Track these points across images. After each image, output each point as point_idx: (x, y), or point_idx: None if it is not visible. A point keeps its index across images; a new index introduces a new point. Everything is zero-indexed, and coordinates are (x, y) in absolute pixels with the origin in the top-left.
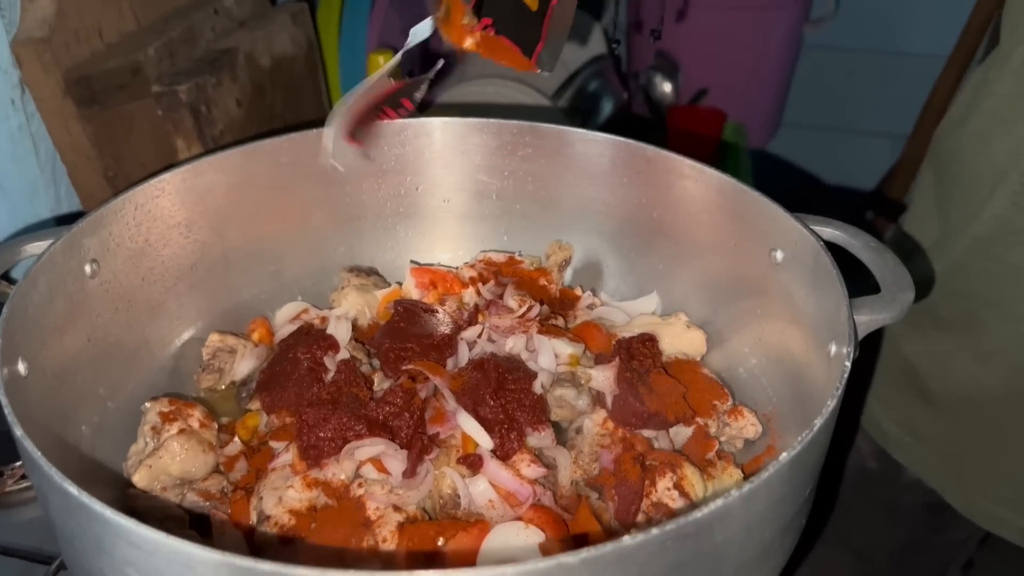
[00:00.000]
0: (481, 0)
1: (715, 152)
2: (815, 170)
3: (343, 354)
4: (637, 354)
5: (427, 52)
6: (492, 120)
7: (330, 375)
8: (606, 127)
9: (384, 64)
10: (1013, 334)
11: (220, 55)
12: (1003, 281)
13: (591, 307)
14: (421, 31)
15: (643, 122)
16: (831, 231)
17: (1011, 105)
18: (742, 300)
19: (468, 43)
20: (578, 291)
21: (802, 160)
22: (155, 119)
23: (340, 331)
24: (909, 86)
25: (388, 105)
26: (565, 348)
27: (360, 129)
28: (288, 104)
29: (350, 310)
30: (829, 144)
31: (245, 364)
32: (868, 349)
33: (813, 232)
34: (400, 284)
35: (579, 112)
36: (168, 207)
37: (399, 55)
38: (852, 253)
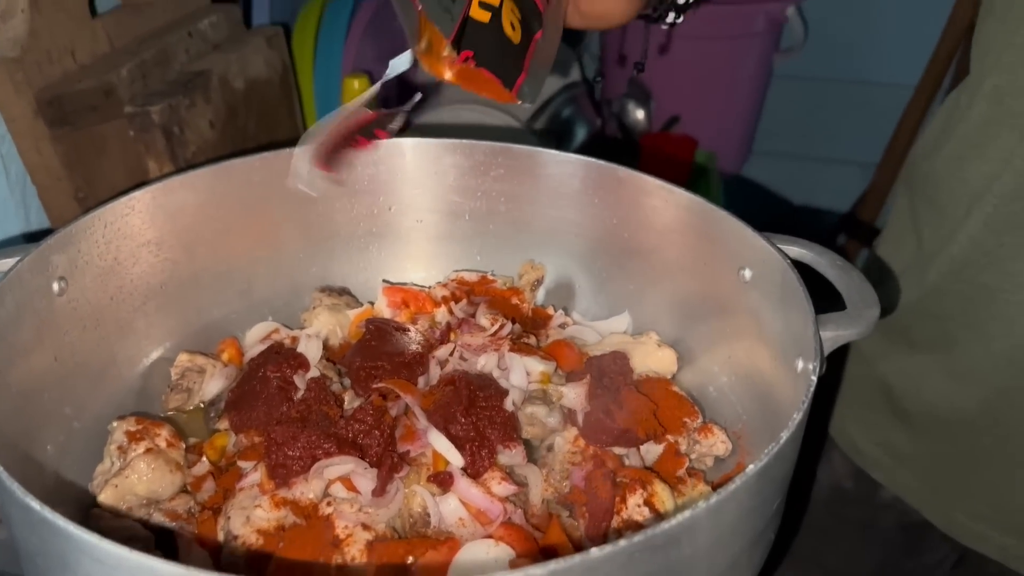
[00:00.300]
0: (462, 33)
1: (686, 179)
2: (785, 197)
3: (313, 372)
4: (608, 372)
5: (405, 82)
6: (465, 141)
7: (299, 393)
8: (579, 153)
9: (360, 91)
10: (987, 354)
11: (194, 77)
12: (977, 302)
13: (563, 326)
14: (401, 63)
15: (616, 148)
16: (798, 250)
17: (984, 130)
18: (712, 319)
19: (448, 75)
20: (550, 310)
21: (772, 188)
22: (127, 140)
23: (311, 350)
24: (877, 115)
25: (362, 134)
26: (537, 366)
27: (332, 156)
28: (262, 126)
29: (321, 330)
30: (799, 172)
31: (214, 384)
32: (844, 370)
33: (780, 250)
34: (372, 304)
35: (553, 138)
36: (138, 225)
37: (377, 86)
38: (819, 271)
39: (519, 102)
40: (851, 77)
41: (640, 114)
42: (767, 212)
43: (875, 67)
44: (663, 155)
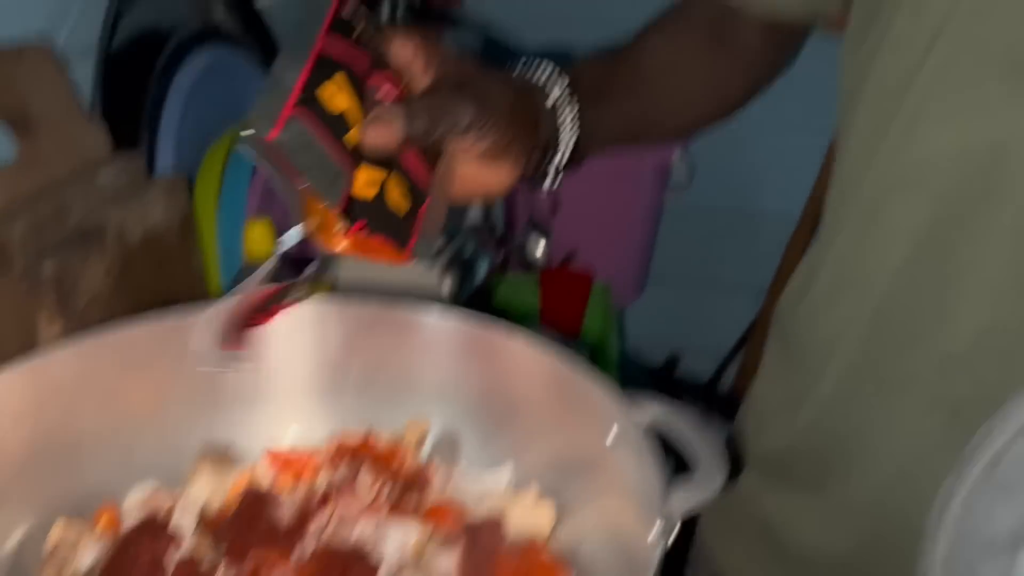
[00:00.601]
0: (351, 206)
1: (583, 313)
2: (682, 324)
3: (186, 547)
4: (483, 535)
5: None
6: (348, 302)
7: (170, 571)
8: (481, 288)
9: (262, 236)
10: (858, 494)
11: (90, 230)
12: (847, 441)
13: (446, 483)
14: (290, 239)
15: (516, 281)
16: (656, 409)
17: (838, 282)
18: (585, 477)
19: (341, 247)
20: (434, 466)
21: (669, 316)
22: (19, 295)
23: (184, 522)
24: (768, 243)
25: (265, 309)
26: (413, 532)
27: (234, 335)
28: (159, 277)
29: (200, 496)
30: (695, 299)
31: (87, 556)
32: (730, 505)
33: (637, 414)
34: (255, 466)
35: (455, 274)
36: (17, 398)
37: (269, 263)
38: (673, 434)
39: (414, 263)
40: (741, 207)
41: (539, 249)
42: (664, 341)
43: (764, 197)
44: (561, 289)
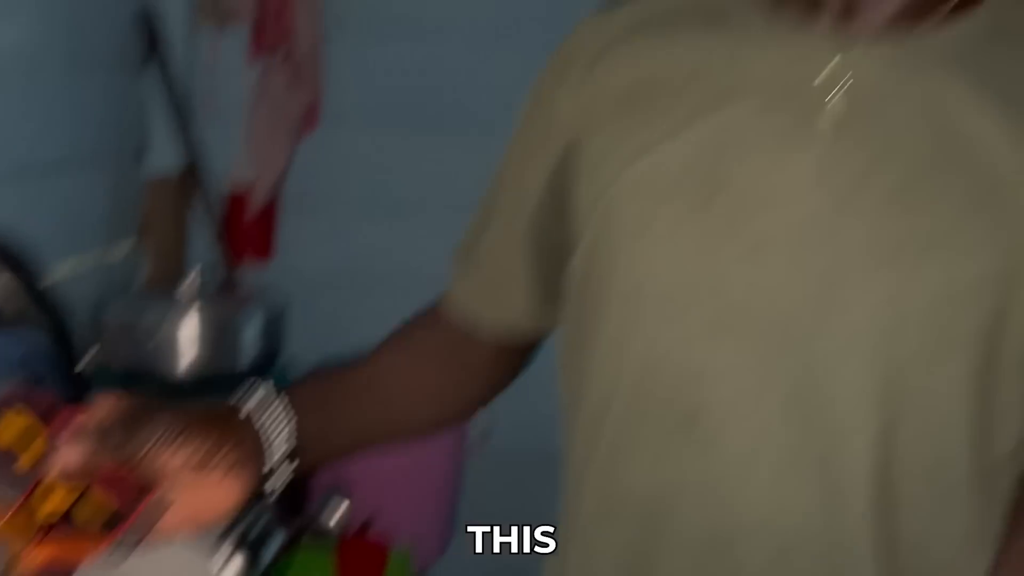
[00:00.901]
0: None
1: None
2: (496, 573)
3: None
4: None
5: None
6: None
7: None
8: (276, 560)
9: None
10: None
11: None
12: None
13: None
14: None
15: (311, 553)
16: None
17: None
18: None
19: (39, 555)
20: None
21: (481, 565)
22: None
23: None
24: None
25: None
26: None
27: None
28: None
29: None
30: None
31: None
32: None
33: None
34: None
35: (247, 552)
36: None
37: None
38: None
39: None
40: (545, 448)
41: (337, 515)
42: None
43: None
44: (358, 560)
